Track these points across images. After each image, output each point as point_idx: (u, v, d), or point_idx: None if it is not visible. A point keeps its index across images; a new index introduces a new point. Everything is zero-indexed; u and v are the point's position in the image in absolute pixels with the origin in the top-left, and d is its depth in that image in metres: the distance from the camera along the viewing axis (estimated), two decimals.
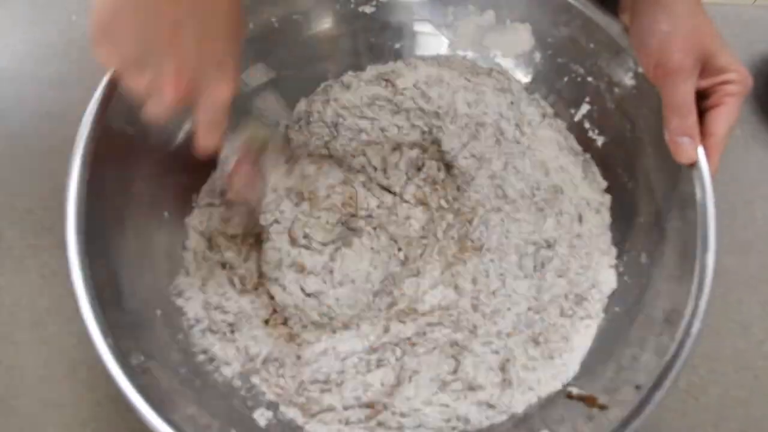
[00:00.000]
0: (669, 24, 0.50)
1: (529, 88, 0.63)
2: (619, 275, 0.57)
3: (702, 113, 0.50)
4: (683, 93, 0.49)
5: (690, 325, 0.46)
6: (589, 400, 0.49)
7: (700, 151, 0.49)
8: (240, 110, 0.50)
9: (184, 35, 0.39)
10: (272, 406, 0.52)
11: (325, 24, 0.62)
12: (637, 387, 0.46)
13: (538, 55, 0.61)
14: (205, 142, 0.45)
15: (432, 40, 0.64)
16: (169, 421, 0.42)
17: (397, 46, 0.64)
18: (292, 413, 0.52)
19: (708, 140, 0.50)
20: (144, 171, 0.54)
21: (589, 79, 0.58)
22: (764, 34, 0.72)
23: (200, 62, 0.41)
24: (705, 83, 0.50)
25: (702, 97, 0.51)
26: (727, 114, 0.50)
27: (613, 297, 0.56)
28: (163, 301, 0.54)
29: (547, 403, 0.52)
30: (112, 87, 0.49)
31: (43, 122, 0.67)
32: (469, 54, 0.64)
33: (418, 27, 0.63)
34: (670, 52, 0.49)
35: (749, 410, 0.58)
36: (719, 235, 0.47)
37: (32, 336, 0.58)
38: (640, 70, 0.53)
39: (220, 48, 0.41)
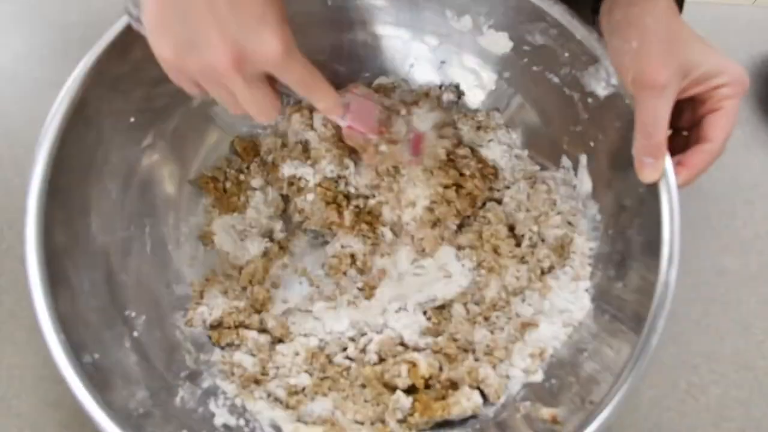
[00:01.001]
0: (639, 40, 0.49)
1: (504, 96, 0.63)
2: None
3: (700, 120, 0.50)
4: (653, 111, 0.48)
5: (646, 342, 0.46)
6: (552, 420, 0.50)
7: (668, 164, 0.49)
8: None
9: (217, 4, 0.40)
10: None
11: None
12: (591, 402, 0.47)
13: (513, 63, 0.61)
14: (261, 106, 0.45)
15: (410, 46, 0.64)
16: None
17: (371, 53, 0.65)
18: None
19: (704, 145, 0.50)
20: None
21: (564, 89, 0.58)
22: (764, 34, 0.72)
23: (239, 24, 0.40)
24: (697, 90, 0.49)
25: (699, 102, 0.50)
26: (723, 118, 0.49)
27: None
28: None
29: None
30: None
31: (42, 122, 0.67)
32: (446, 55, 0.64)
33: (392, 32, 0.64)
34: (642, 68, 0.48)
35: (749, 410, 0.58)
36: (682, 250, 0.47)
37: (32, 336, 0.59)
38: (614, 81, 0.53)
39: (256, 4, 0.41)
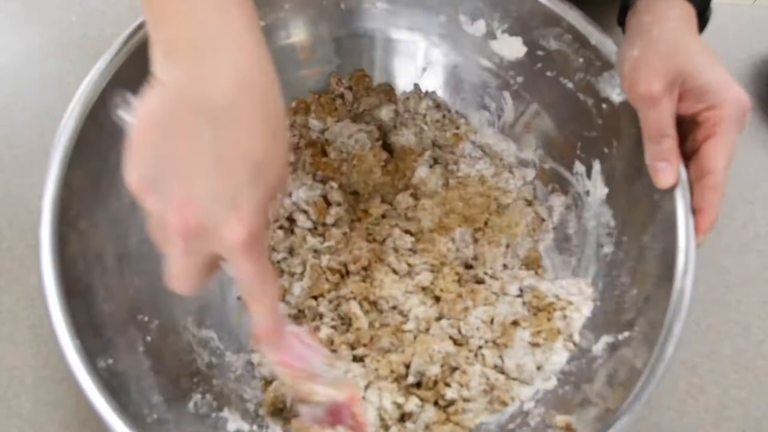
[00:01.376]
0: (640, 48, 0.49)
1: (518, 101, 0.63)
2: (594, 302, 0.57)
3: (698, 148, 0.48)
4: (655, 118, 0.48)
5: (663, 349, 0.45)
6: (567, 428, 0.49)
7: (683, 171, 0.49)
8: None
9: (201, 158, 0.34)
10: None
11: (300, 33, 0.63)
12: (608, 410, 0.46)
13: (527, 68, 0.61)
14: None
15: (423, 50, 0.64)
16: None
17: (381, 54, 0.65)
18: None
19: (706, 179, 0.47)
20: None
21: (579, 94, 0.58)
22: (764, 34, 0.73)
23: (213, 192, 0.35)
24: (689, 110, 0.48)
25: (695, 126, 0.49)
26: (720, 145, 0.47)
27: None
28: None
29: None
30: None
31: (43, 122, 0.67)
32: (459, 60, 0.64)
33: (406, 36, 0.64)
34: (637, 78, 0.48)
35: (749, 410, 0.58)
36: (698, 256, 0.47)
37: (32, 336, 0.58)
38: None
39: (239, 176, 0.35)
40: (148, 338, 0.52)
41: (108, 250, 0.52)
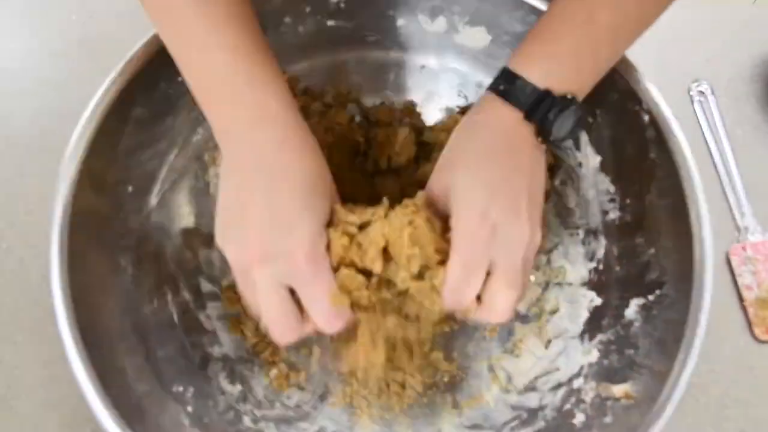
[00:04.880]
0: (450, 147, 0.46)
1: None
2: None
3: None
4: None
5: (700, 298, 0.46)
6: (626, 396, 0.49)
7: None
8: None
9: (254, 202, 0.42)
10: None
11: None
12: (660, 372, 0.46)
13: (494, 54, 0.60)
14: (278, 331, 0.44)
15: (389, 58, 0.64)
16: None
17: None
18: None
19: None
20: None
21: None
22: (764, 33, 0.72)
23: (271, 225, 0.41)
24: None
25: None
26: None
27: None
28: None
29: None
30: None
31: (43, 122, 0.67)
32: (429, 61, 0.63)
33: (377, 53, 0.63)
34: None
35: (749, 410, 0.58)
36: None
37: (32, 336, 0.59)
38: None
39: (292, 209, 0.42)
40: (189, 408, 0.51)
41: (126, 327, 0.50)
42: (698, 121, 0.69)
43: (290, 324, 0.43)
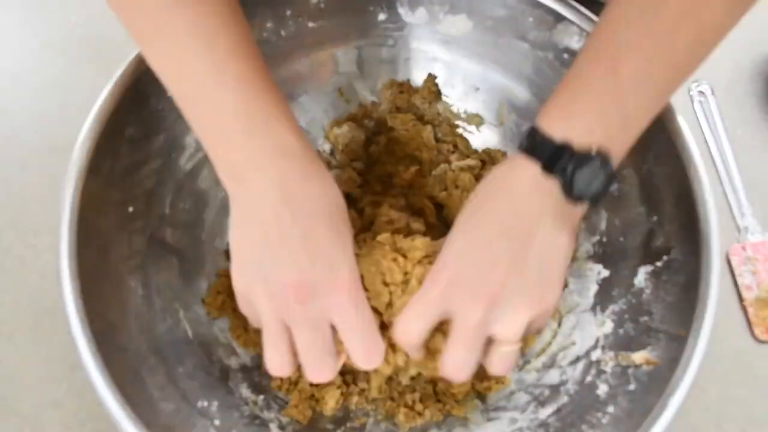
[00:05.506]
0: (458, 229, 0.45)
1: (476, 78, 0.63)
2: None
3: None
4: None
5: (708, 258, 0.46)
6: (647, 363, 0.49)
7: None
8: None
9: (291, 237, 0.40)
10: None
11: None
12: (679, 335, 0.46)
13: (478, 40, 0.60)
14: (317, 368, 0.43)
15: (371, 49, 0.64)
16: None
17: None
18: None
19: None
20: None
21: (537, 51, 0.57)
22: (764, 34, 0.73)
23: (310, 258, 0.41)
24: None
25: None
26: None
27: None
28: None
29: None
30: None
31: (43, 122, 0.67)
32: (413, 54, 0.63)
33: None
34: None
35: (749, 410, 0.58)
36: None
37: (32, 336, 0.59)
38: (586, 27, 0.53)
39: (329, 243, 0.41)
40: (216, 422, 0.50)
41: (143, 347, 0.50)
42: (698, 121, 0.69)
43: (330, 363, 0.43)
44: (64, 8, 0.72)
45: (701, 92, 0.70)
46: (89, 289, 0.45)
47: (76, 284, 0.45)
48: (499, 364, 0.44)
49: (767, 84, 0.71)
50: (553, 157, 0.41)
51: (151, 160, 0.53)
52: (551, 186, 0.41)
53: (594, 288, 0.56)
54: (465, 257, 0.42)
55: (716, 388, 0.58)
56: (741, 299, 0.62)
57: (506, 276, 0.40)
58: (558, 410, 0.51)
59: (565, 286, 0.57)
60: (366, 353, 0.43)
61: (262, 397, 0.54)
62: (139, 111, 0.51)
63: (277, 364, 0.43)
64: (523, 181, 0.42)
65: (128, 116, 0.50)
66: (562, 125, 0.41)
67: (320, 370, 0.43)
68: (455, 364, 0.43)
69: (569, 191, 0.41)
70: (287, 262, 0.40)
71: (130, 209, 0.52)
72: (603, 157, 0.41)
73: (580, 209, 0.43)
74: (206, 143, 0.42)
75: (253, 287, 0.42)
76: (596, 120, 0.41)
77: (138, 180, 0.53)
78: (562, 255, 0.42)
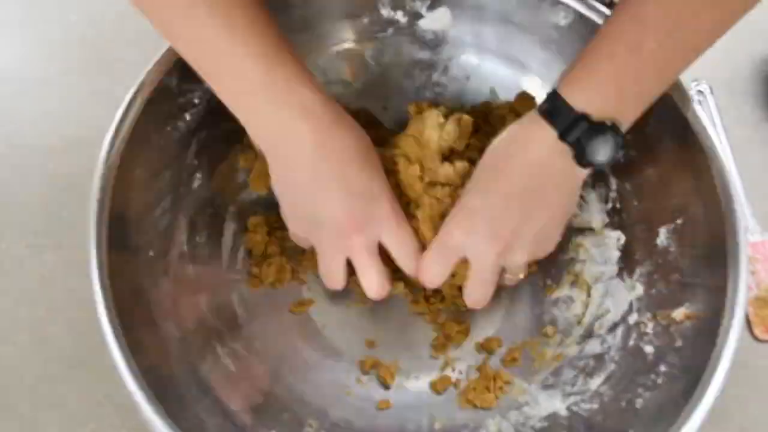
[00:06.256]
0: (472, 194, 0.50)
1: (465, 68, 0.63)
2: None
3: None
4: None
5: (730, 208, 0.47)
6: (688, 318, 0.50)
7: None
8: None
9: (329, 184, 0.47)
10: None
11: None
12: (711, 287, 0.47)
13: (461, 31, 0.61)
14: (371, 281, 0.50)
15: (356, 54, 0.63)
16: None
17: None
18: None
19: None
20: None
21: (526, 34, 0.58)
22: (763, 33, 0.73)
23: (352, 195, 0.47)
24: None
25: None
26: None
27: None
28: None
29: None
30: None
31: (42, 122, 0.67)
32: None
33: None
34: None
35: (749, 409, 0.58)
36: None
37: (32, 336, 0.59)
38: (572, 4, 0.54)
39: (362, 179, 0.47)
40: None
41: (193, 389, 0.49)
42: None
43: (386, 279, 0.50)
44: (64, 8, 0.72)
45: (700, 92, 0.71)
46: (133, 342, 0.44)
47: (122, 341, 0.43)
48: (505, 281, 0.53)
49: (766, 84, 0.71)
50: (570, 125, 0.44)
51: (161, 199, 0.52)
52: (565, 151, 0.45)
53: (616, 255, 0.57)
54: (483, 210, 0.48)
55: None
56: None
57: (516, 232, 0.47)
58: (608, 378, 0.52)
59: (587, 257, 0.58)
60: (412, 261, 0.50)
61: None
62: (144, 151, 0.51)
63: (335, 281, 0.51)
64: (542, 147, 0.46)
65: (136, 157, 0.49)
66: (582, 96, 0.44)
67: (380, 286, 0.50)
68: (476, 296, 0.51)
69: (581, 158, 0.45)
70: (335, 202, 0.47)
71: (151, 253, 0.51)
72: (615, 128, 0.44)
73: (587, 172, 0.47)
74: (238, 114, 0.46)
75: (308, 227, 0.50)
76: (615, 94, 0.44)
77: (152, 222, 0.52)
78: (564, 212, 0.50)
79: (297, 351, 0.56)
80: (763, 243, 0.64)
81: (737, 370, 0.58)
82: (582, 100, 0.44)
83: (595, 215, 0.58)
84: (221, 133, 0.54)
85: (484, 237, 0.48)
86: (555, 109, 0.45)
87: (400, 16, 0.60)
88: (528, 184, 0.47)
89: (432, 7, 0.59)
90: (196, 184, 0.55)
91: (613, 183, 0.57)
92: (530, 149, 0.46)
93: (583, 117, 0.43)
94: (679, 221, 0.52)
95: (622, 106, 0.44)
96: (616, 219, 0.58)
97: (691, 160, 0.50)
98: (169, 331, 0.50)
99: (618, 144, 0.44)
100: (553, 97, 0.45)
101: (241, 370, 0.53)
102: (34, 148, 0.65)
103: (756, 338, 0.61)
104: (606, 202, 0.58)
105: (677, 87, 0.49)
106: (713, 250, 0.48)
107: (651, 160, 0.54)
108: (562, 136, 0.44)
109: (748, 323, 0.61)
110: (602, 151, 0.44)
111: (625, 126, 0.45)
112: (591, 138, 0.44)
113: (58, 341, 0.58)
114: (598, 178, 0.58)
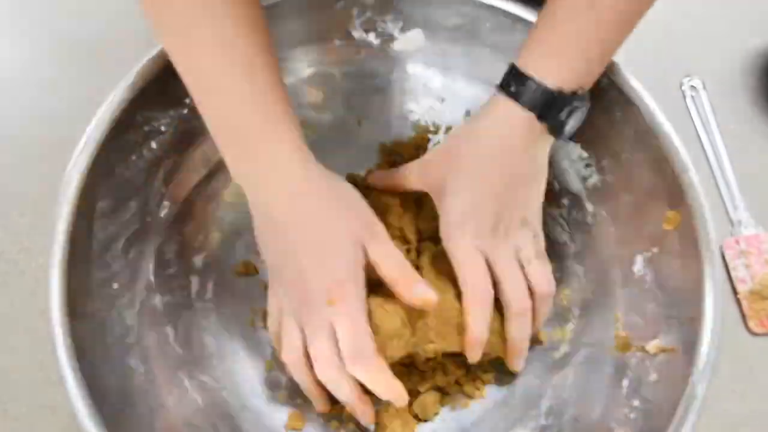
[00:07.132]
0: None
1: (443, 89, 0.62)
2: None
3: None
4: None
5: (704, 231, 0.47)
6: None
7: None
8: None
9: (306, 246, 0.44)
10: None
11: None
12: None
13: (432, 51, 0.60)
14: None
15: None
16: None
17: None
18: None
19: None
20: None
21: (498, 53, 0.57)
22: (756, 27, 0.71)
23: (337, 249, 0.44)
24: None
25: None
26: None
27: None
28: None
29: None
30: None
31: (39, 124, 0.66)
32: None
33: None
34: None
35: (745, 403, 0.59)
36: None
37: (27, 339, 0.59)
38: None
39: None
40: None
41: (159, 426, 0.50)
42: (690, 116, 0.69)
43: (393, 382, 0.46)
44: (59, 10, 0.71)
45: (693, 87, 0.70)
46: (92, 380, 0.45)
47: (80, 379, 0.44)
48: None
49: (759, 78, 0.70)
50: (546, 104, 0.44)
51: (125, 230, 0.52)
52: (542, 129, 0.45)
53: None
54: (477, 210, 0.46)
55: (712, 382, 0.59)
56: (735, 292, 0.62)
57: (512, 218, 0.47)
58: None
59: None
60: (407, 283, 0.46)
61: None
62: (107, 182, 0.50)
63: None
64: (523, 137, 0.45)
65: (99, 189, 0.49)
66: (550, 68, 0.43)
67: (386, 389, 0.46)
68: (519, 323, 0.49)
69: (558, 134, 0.46)
70: (317, 267, 0.44)
71: (115, 285, 0.51)
72: (586, 97, 0.45)
73: (553, 139, 0.47)
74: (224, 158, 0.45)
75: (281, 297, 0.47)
76: (583, 58, 0.44)
77: (116, 253, 0.52)
78: (543, 186, 0.49)
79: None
80: (757, 236, 0.64)
81: (732, 364, 0.59)
82: (553, 74, 0.43)
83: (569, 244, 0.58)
84: (189, 160, 0.54)
85: (490, 235, 0.47)
86: (525, 90, 0.44)
87: (372, 38, 0.59)
88: (516, 172, 0.46)
89: (405, 29, 0.58)
90: (163, 212, 0.55)
91: (589, 211, 0.57)
92: (503, 129, 0.46)
93: (560, 92, 0.43)
94: (654, 250, 0.51)
95: (589, 68, 0.44)
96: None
97: (668, 187, 0.49)
98: (132, 365, 0.50)
99: (587, 109, 0.45)
100: (518, 75, 0.44)
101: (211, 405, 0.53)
102: (26, 150, 0.65)
103: (750, 331, 0.61)
104: (582, 231, 0.58)
105: (650, 112, 0.49)
106: (688, 280, 0.47)
107: (628, 186, 0.53)
108: (541, 118, 0.44)
109: (743, 317, 0.61)
110: (575, 123, 0.45)
111: (590, 87, 0.45)
112: (570, 113, 0.44)
113: (53, 344, 0.58)
114: (573, 207, 0.58)
